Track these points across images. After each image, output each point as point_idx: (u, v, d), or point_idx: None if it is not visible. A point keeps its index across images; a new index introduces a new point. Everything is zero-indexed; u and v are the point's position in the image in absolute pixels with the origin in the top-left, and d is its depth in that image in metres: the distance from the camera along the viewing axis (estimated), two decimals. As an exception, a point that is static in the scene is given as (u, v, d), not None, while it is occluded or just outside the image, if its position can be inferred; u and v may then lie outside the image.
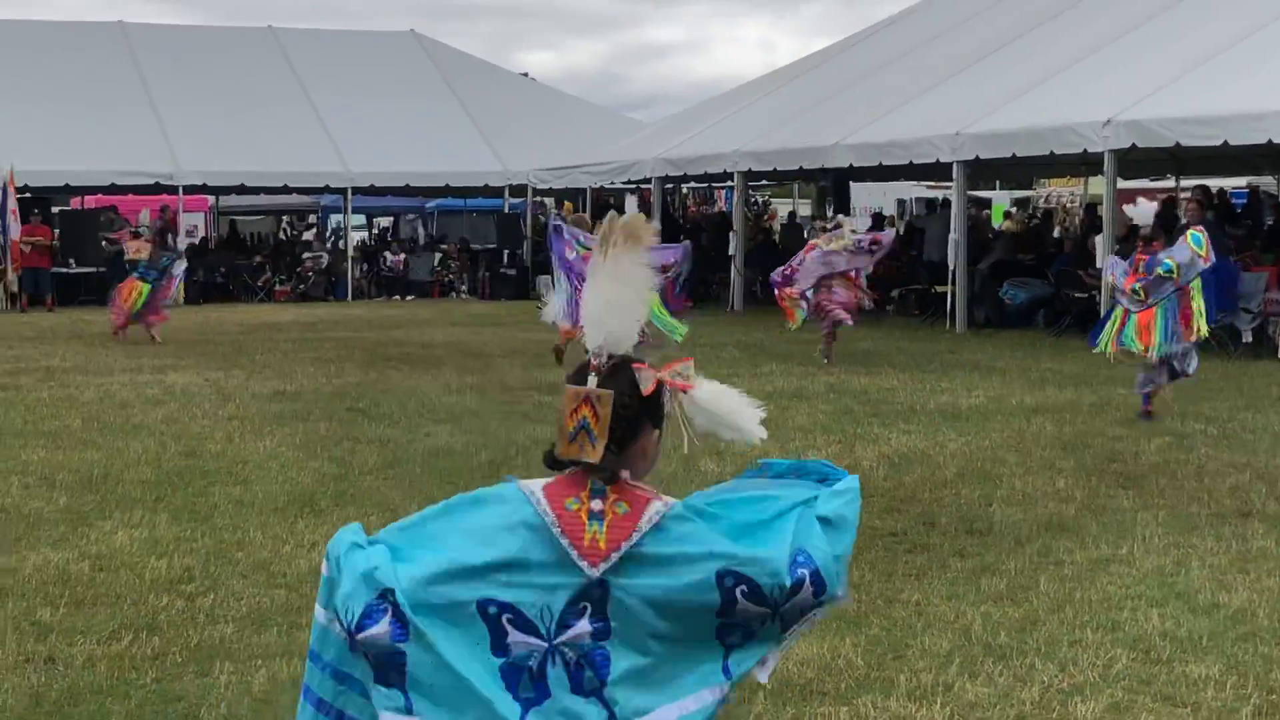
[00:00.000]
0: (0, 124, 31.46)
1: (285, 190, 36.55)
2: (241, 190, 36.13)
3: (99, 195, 35.84)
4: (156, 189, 32.59)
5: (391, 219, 48.34)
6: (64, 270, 30.62)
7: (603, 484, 3.20)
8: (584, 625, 3.16)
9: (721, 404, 3.34)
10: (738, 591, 3.17)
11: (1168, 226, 15.37)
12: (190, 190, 33.39)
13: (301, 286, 33.68)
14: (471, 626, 3.16)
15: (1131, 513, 9.09)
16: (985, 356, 18.30)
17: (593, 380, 3.20)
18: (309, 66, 36.84)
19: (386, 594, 3.16)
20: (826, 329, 17.92)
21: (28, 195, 30.18)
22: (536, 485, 3.25)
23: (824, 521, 3.29)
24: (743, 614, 3.20)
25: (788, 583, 3.19)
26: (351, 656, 3.26)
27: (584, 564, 3.15)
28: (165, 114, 33.39)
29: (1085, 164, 26.73)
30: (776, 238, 34.17)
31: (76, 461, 10.99)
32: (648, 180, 30.37)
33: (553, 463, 3.25)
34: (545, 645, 3.15)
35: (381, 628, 3.16)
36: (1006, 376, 16.24)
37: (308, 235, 42.24)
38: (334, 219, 44.63)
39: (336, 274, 34.31)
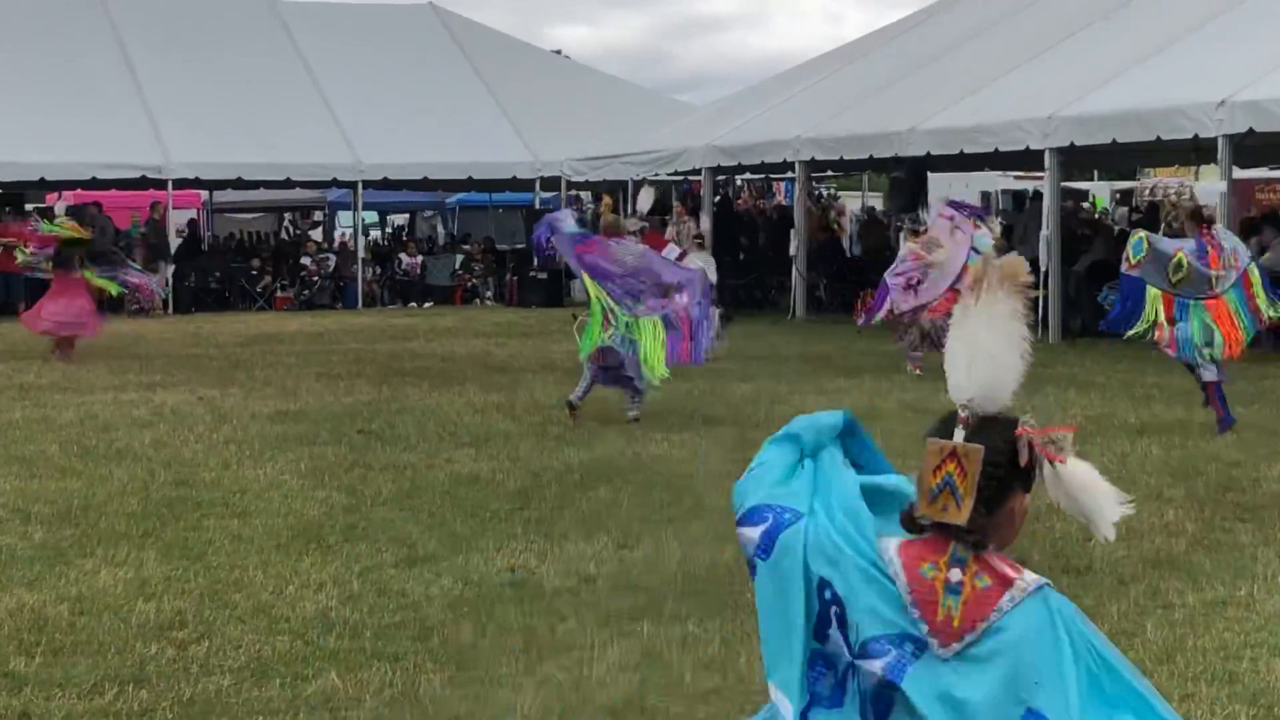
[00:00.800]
0: (-34, 111, 31.78)
1: (288, 184, 36.70)
2: (238, 184, 36.31)
3: (78, 190, 36.08)
4: (143, 183, 32.78)
5: (407, 216, 48.54)
6: (39, 276, 30.81)
7: (965, 552, 3.23)
8: (877, 666, 3.22)
9: (1087, 490, 3.33)
10: None
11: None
12: (181, 184, 33.59)
13: (306, 293, 33.84)
14: (810, 597, 3.28)
15: (1250, 548, 9.04)
16: (1083, 370, 18.23)
17: (959, 434, 3.26)
18: (314, 44, 37.00)
19: (775, 508, 3.36)
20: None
21: (-1, 191, 30.45)
22: (892, 543, 3.30)
23: None
24: None
25: None
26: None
27: (934, 642, 3.19)
28: (152, 98, 33.57)
29: (1196, 151, 26.57)
30: (847, 238, 34.23)
31: (54, 491, 11.07)
32: (697, 171, 30.39)
33: (910, 524, 3.30)
34: (849, 659, 3.25)
35: (754, 532, 3.37)
36: (1107, 393, 16.17)
37: (314, 235, 42.42)
38: (343, 216, 44.85)
39: (345, 278, 34.45)
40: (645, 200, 15.89)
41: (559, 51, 47.51)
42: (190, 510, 10.39)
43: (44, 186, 33.41)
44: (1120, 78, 22.18)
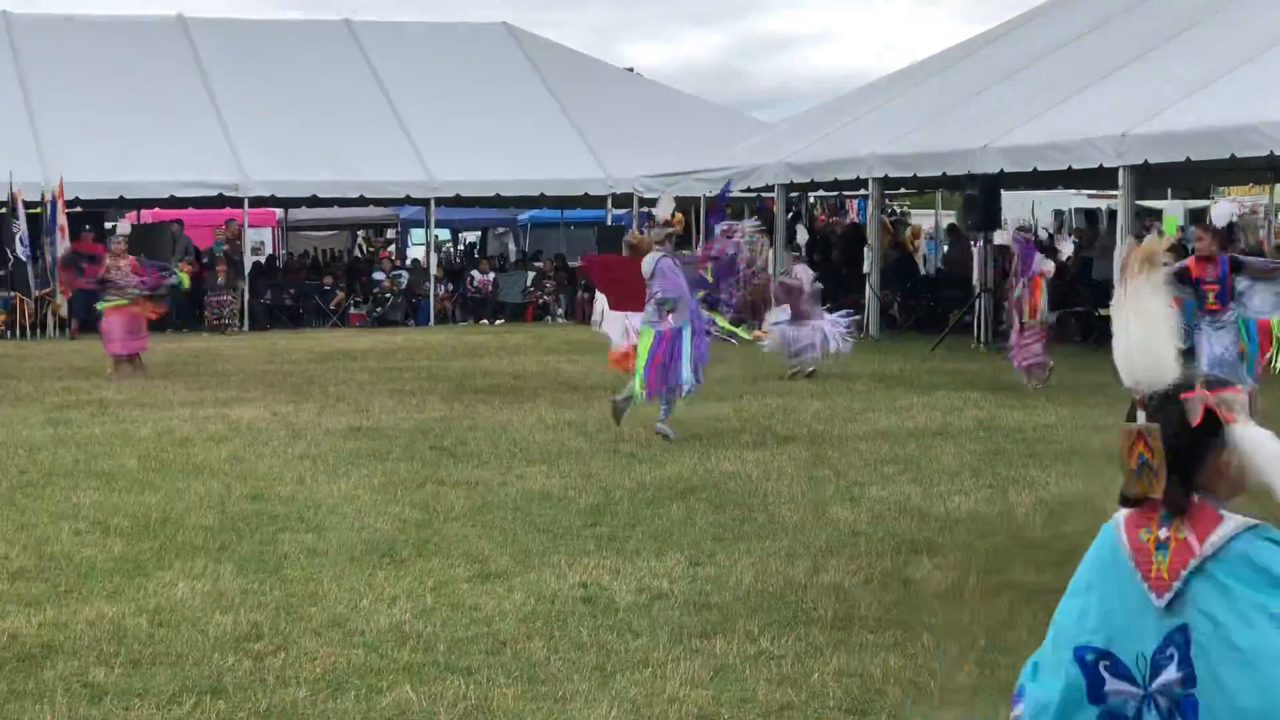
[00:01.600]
0: (47, 130, 32.19)
1: (361, 202, 36.96)
2: (313, 202, 36.60)
3: (156, 209, 36.46)
4: (220, 201, 33.10)
5: (479, 233, 48.74)
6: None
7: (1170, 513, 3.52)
8: (1173, 672, 3.44)
9: (1260, 452, 3.53)
10: None
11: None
12: (256, 202, 33.87)
13: (378, 310, 34.05)
14: (1069, 675, 3.57)
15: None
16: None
17: (1140, 416, 3.53)
18: (389, 63, 37.27)
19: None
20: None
21: (78, 210, 30.76)
22: (1122, 515, 3.64)
23: None
24: None
25: None
26: None
27: (1152, 596, 3.49)
28: (229, 118, 33.92)
29: (1272, 169, 26.40)
30: (920, 256, 34.17)
31: (133, 505, 11.19)
32: (770, 188, 30.38)
33: (1127, 502, 3.61)
34: (1141, 692, 3.49)
35: (1017, 710, 3.69)
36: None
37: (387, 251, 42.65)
38: (415, 234, 45.08)
39: (417, 295, 34.64)
40: (665, 208, 15.93)
41: (631, 69, 47.61)
42: (266, 524, 10.48)
43: (123, 205, 33.80)
44: (1195, 95, 22.03)
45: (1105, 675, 3.50)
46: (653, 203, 34.98)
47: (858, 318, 20.70)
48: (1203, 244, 14.38)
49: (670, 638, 7.52)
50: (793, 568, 9.03)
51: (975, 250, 26.57)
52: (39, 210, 29.14)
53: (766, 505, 11.05)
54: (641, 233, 16.92)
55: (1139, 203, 27.49)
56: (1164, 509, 3.50)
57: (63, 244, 28.84)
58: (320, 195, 34.35)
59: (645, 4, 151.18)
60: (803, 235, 26.13)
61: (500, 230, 48.12)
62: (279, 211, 42.05)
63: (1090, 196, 39.10)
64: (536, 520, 10.55)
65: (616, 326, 17.10)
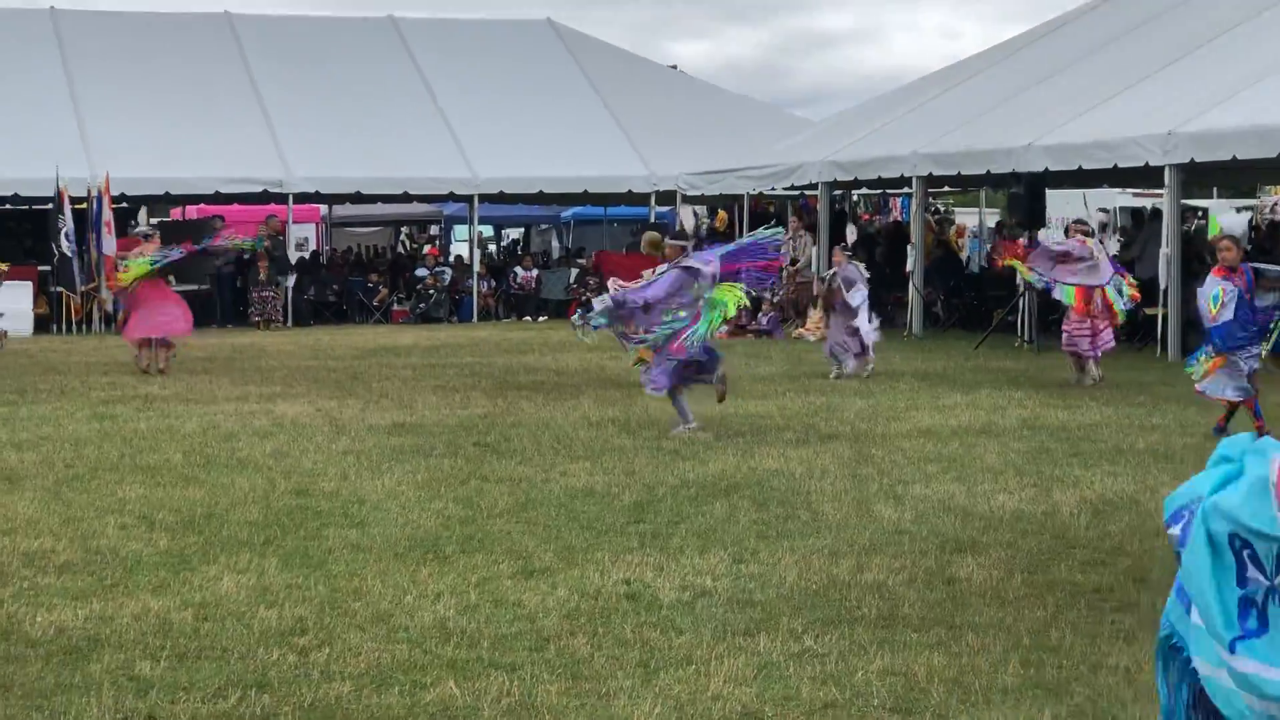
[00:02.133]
0: (93, 126, 32.36)
1: (405, 198, 37.04)
2: (357, 199, 36.70)
3: (201, 205, 36.62)
4: (264, 197, 33.21)
5: (522, 230, 48.80)
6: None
7: None
8: None
9: None
10: None
11: None
12: (301, 199, 33.98)
13: (422, 306, 34.12)
14: (1226, 555, 3.78)
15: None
16: (1203, 389, 17.99)
17: None
18: (433, 60, 37.34)
19: (1193, 503, 3.91)
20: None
21: (124, 205, 30.91)
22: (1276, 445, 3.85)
23: None
24: None
25: None
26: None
27: None
28: (275, 114, 34.04)
29: (1319, 168, 26.20)
30: (964, 255, 34.05)
31: (178, 499, 11.24)
32: (813, 186, 30.32)
33: None
34: (1268, 584, 3.74)
35: (1174, 531, 3.99)
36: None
37: (428, 249, 42.73)
38: (458, 230, 45.16)
39: (460, 292, 34.70)
40: (688, 222, 15.95)
41: (675, 66, 47.57)
42: (310, 519, 10.51)
43: (168, 201, 33.98)
44: (1241, 94, 21.91)
45: (1248, 563, 3.72)
46: (696, 200, 35.27)
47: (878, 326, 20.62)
48: (1230, 254, 14.41)
49: (714, 635, 7.52)
50: (836, 566, 9.01)
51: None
52: (84, 206, 29.29)
53: (810, 503, 11.03)
54: (698, 228, 16.95)
55: (1184, 201, 27.34)
56: None
57: (109, 240, 28.95)
58: (364, 192, 34.44)
59: (688, 1, 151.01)
60: (852, 233, 26.19)
61: (543, 227, 48.18)
62: (323, 208, 42.18)
63: (1135, 195, 38.93)
64: (580, 517, 10.56)
65: None
